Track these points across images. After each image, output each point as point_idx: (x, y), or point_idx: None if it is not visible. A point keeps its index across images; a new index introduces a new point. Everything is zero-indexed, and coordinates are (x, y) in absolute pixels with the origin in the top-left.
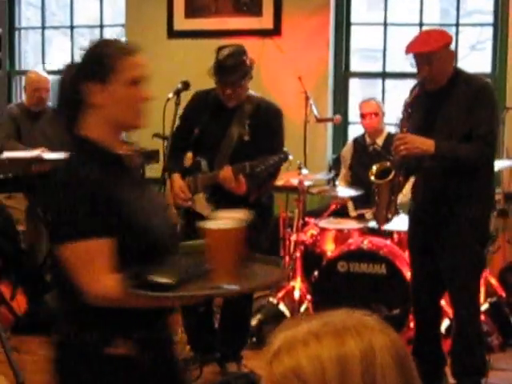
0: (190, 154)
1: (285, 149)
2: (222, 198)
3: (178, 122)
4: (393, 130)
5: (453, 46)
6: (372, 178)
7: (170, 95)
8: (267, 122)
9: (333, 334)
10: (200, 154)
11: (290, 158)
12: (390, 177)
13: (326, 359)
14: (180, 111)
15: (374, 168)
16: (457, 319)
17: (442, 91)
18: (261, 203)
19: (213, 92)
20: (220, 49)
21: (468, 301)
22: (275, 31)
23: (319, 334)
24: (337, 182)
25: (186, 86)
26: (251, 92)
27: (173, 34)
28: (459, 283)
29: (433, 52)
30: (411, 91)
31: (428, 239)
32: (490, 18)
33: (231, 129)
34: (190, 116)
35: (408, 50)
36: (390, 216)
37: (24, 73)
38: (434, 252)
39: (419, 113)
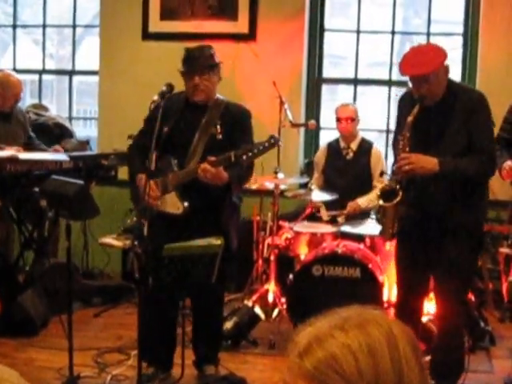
0: (153, 157)
1: (275, 134)
2: (195, 195)
3: (143, 125)
4: (365, 135)
5: None
6: (380, 201)
7: (156, 97)
8: (238, 122)
9: (356, 325)
10: (168, 154)
11: (281, 143)
12: (397, 199)
13: (356, 349)
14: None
15: (380, 189)
16: (441, 323)
17: (438, 105)
18: (231, 203)
19: (181, 94)
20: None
21: (456, 306)
22: (250, 36)
23: (344, 327)
24: (312, 186)
25: (170, 88)
26: (219, 96)
27: (148, 35)
28: (451, 291)
29: (430, 73)
30: (400, 109)
31: (420, 248)
32: (459, 28)
33: (202, 128)
34: (156, 117)
35: (405, 72)
36: (394, 231)
37: None
38: (426, 258)
39: (417, 129)
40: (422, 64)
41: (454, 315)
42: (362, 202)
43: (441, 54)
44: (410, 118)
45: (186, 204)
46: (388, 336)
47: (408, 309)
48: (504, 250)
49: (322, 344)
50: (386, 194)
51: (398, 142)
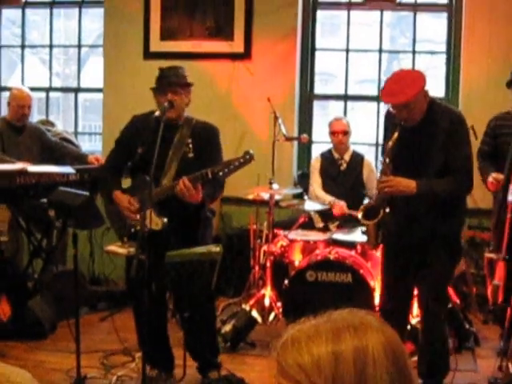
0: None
1: (250, 150)
2: (172, 212)
3: (114, 145)
4: (355, 148)
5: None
6: (362, 219)
7: (157, 113)
8: (207, 139)
9: (332, 330)
10: (144, 172)
11: (254, 159)
12: (378, 218)
13: (323, 354)
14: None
15: (362, 208)
16: (425, 325)
17: (419, 127)
18: (206, 217)
19: (151, 114)
20: None
21: (438, 310)
22: (246, 55)
23: (320, 330)
24: (317, 191)
25: (171, 105)
26: (188, 114)
27: (149, 55)
28: (432, 292)
29: (409, 101)
30: (387, 123)
31: (404, 254)
32: (442, 47)
33: (174, 147)
34: (129, 138)
35: (386, 101)
36: (379, 241)
37: (2, 89)
38: (409, 264)
39: (400, 148)
40: (400, 93)
41: (436, 319)
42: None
43: (419, 81)
44: (390, 144)
45: (164, 220)
46: (359, 345)
47: (392, 314)
48: (489, 255)
49: (294, 345)
50: (368, 212)
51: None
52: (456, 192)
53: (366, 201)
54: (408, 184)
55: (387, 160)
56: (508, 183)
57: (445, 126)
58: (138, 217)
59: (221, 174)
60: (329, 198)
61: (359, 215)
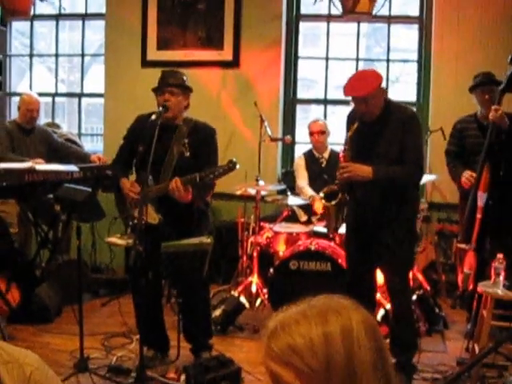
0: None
1: (233, 159)
2: (168, 208)
3: (122, 142)
4: (335, 147)
5: (383, 78)
6: (323, 200)
7: (153, 117)
8: (204, 140)
9: (318, 314)
10: (145, 169)
11: (237, 167)
12: (337, 200)
13: (314, 336)
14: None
15: (324, 191)
16: (394, 308)
17: (376, 122)
18: (200, 209)
19: (152, 115)
20: None
21: (402, 291)
22: (234, 63)
23: (307, 314)
24: (305, 187)
25: (166, 109)
26: (188, 115)
27: (146, 63)
28: (395, 277)
29: (367, 95)
30: (348, 124)
31: (365, 241)
32: (414, 55)
33: (172, 147)
34: (133, 136)
35: (346, 94)
36: (338, 226)
37: (11, 94)
38: (370, 250)
39: (359, 141)
40: (360, 87)
41: (402, 296)
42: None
43: (377, 79)
44: (349, 134)
45: (160, 216)
46: (344, 324)
47: (358, 295)
48: (460, 245)
49: (285, 330)
50: (329, 196)
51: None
52: (408, 179)
53: None
54: (365, 169)
55: (346, 147)
56: (477, 188)
57: (399, 122)
58: (137, 211)
59: (207, 178)
60: (310, 193)
61: (321, 196)
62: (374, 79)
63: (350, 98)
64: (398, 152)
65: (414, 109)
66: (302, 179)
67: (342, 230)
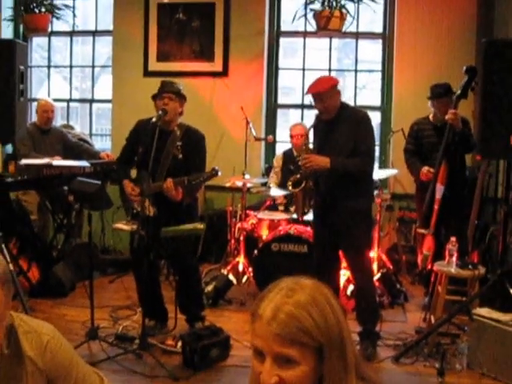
0: (134, 170)
1: (216, 167)
2: (162, 203)
3: (125, 142)
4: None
5: (351, 86)
6: (290, 187)
7: (154, 119)
8: (194, 145)
9: (298, 289)
10: (143, 168)
11: (219, 174)
12: (301, 187)
13: (306, 303)
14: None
15: (291, 179)
16: (357, 283)
17: (333, 120)
18: (189, 204)
19: (151, 119)
20: None
21: (363, 269)
22: (224, 73)
23: (289, 294)
24: (271, 185)
25: (165, 112)
26: (181, 121)
27: (147, 73)
28: (355, 257)
29: (323, 92)
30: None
31: (327, 227)
32: (378, 66)
33: (167, 149)
34: (134, 138)
35: (307, 91)
36: (306, 211)
37: (32, 100)
38: (332, 234)
39: (319, 136)
40: (317, 86)
41: (363, 275)
42: None
43: (331, 81)
44: (308, 128)
45: (155, 209)
46: (321, 292)
47: (325, 273)
48: (420, 230)
49: (281, 309)
50: (295, 184)
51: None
52: (361, 169)
53: None
54: (323, 160)
55: (307, 142)
56: (435, 181)
57: (353, 121)
58: (138, 202)
59: (193, 182)
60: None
61: (288, 185)
62: (329, 81)
63: None
64: (352, 147)
65: (379, 112)
66: (272, 180)
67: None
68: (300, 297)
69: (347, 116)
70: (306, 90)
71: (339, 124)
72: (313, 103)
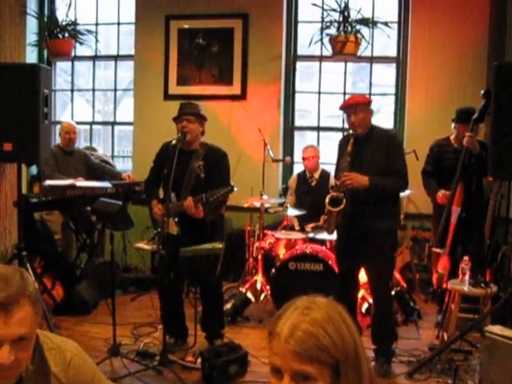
0: (161, 190)
1: (232, 183)
2: (186, 221)
3: (152, 164)
4: (326, 167)
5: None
6: (328, 206)
7: (174, 141)
8: (216, 163)
9: (315, 308)
10: (168, 188)
11: (235, 189)
12: (342, 206)
13: (322, 321)
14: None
15: (329, 197)
16: (376, 304)
17: (364, 140)
18: (214, 221)
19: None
20: None
21: (384, 290)
22: (242, 96)
23: (305, 312)
24: (288, 205)
25: (184, 134)
26: (204, 140)
27: (168, 97)
28: (378, 278)
29: (359, 104)
30: (340, 148)
31: (353, 247)
32: (392, 89)
33: (189, 169)
34: (160, 160)
35: (342, 106)
36: (334, 228)
37: (56, 123)
38: (357, 255)
39: (349, 156)
40: (354, 99)
41: (383, 295)
42: None
43: (366, 98)
44: (349, 148)
45: (179, 228)
46: (336, 310)
47: (347, 293)
48: (435, 250)
49: (298, 327)
50: (333, 202)
51: (340, 166)
52: (396, 188)
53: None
54: (362, 178)
55: (348, 159)
56: (451, 204)
57: (384, 141)
58: (165, 218)
59: (211, 199)
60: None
61: (326, 202)
62: (364, 98)
63: (339, 126)
64: (383, 166)
65: None
66: (288, 201)
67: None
68: (316, 315)
69: (377, 136)
70: (322, 114)
71: (370, 144)
72: (345, 119)
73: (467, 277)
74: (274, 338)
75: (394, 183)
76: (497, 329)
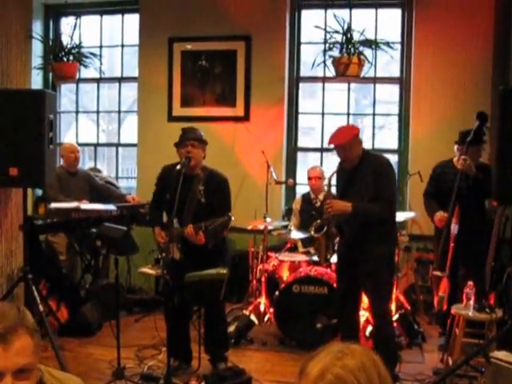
0: (164, 214)
1: (230, 213)
2: (189, 246)
3: (154, 187)
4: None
5: (368, 128)
6: (312, 232)
7: (179, 166)
8: (217, 188)
9: (347, 353)
10: (171, 213)
11: (233, 219)
12: (323, 231)
13: (354, 368)
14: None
15: (313, 225)
16: (376, 327)
17: (355, 168)
18: (217, 247)
19: (176, 165)
20: None
21: (384, 313)
22: (245, 118)
23: (339, 356)
24: (292, 228)
25: (189, 159)
26: (205, 164)
27: (171, 118)
28: (376, 303)
29: (344, 144)
30: (337, 171)
31: (351, 270)
32: (395, 108)
33: (191, 193)
34: (161, 184)
35: (329, 143)
36: (328, 256)
37: (60, 144)
38: (355, 278)
39: (341, 184)
40: (339, 138)
41: (383, 319)
42: None
43: (352, 131)
44: (330, 177)
45: (181, 253)
46: (370, 358)
47: (348, 318)
48: (436, 273)
49: (329, 370)
50: (318, 229)
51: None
52: (382, 215)
53: None
54: (344, 205)
55: (329, 188)
56: (451, 220)
57: (374, 168)
58: (168, 246)
59: (210, 228)
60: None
61: (310, 230)
62: (350, 131)
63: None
64: (374, 193)
65: (396, 155)
66: (292, 223)
67: (334, 258)
68: (349, 361)
69: (369, 163)
70: (325, 134)
71: (361, 171)
72: (335, 153)
73: (472, 302)
74: (303, 377)
75: (379, 211)
76: (502, 355)
